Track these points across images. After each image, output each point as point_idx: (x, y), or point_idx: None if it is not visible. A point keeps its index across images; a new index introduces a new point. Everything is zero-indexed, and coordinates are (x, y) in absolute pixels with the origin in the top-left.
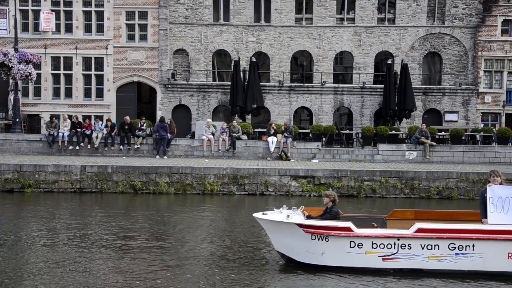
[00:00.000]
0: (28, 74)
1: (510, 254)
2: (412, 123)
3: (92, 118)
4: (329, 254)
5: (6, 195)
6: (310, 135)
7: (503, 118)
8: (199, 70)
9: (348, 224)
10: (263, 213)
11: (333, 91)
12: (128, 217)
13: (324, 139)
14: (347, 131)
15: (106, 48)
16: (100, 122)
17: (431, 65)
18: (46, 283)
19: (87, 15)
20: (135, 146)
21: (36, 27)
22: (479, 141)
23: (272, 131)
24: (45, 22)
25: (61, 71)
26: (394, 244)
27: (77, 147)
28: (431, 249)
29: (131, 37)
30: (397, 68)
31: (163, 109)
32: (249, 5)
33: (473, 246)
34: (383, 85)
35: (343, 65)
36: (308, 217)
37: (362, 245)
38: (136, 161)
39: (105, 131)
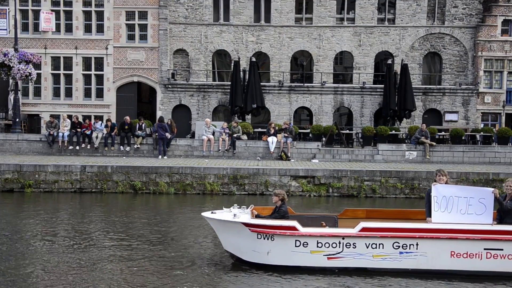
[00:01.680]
0: (28, 74)
1: (453, 253)
2: (412, 123)
3: (92, 118)
4: (274, 253)
5: (6, 195)
6: (310, 135)
7: (503, 118)
8: (199, 70)
9: (293, 223)
10: (212, 212)
11: (333, 91)
12: (128, 216)
13: (324, 139)
14: (347, 131)
15: (106, 48)
16: (100, 122)
17: (431, 65)
18: (46, 283)
19: (87, 15)
20: (135, 146)
21: (36, 27)
22: (479, 141)
23: (272, 131)
24: (45, 22)
25: (61, 71)
26: (339, 243)
27: (77, 147)
28: (376, 248)
29: (131, 37)
30: (397, 68)
31: (163, 109)
32: (249, 5)
33: (417, 245)
34: (383, 85)
35: (343, 65)
36: (257, 216)
37: (307, 244)
38: (136, 161)
39: (105, 131)
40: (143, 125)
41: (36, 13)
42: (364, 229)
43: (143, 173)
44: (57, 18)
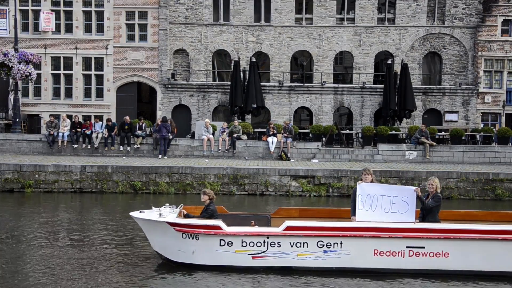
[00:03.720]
0: (28, 74)
1: (376, 251)
2: (412, 123)
3: (92, 118)
4: (199, 252)
5: (6, 195)
6: (310, 135)
7: (503, 118)
8: (199, 70)
9: (218, 222)
10: (140, 212)
11: (333, 91)
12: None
13: (324, 139)
14: (347, 131)
15: (106, 48)
16: (100, 122)
17: (431, 65)
18: (45, 283)
19: (87, 15)
20: (135, 146)
21: (36, 27)
22: (479, 141)
23: (272, 131)
24: (45, 22)
25: (61, 71)
26: (264, 242)
27: (76, 146)
28: (300, 246)
29: (131, 37)
30: (397, 68)
31: (163, 109)
32: (249, 5)
33: (341, 243)
34: (383, 85)
35: (343, 65)
36: (186, 215)
37: (232, 243)
38: (136, 161)
39: (105, 131)
40: (143, 125)
41: (36, 13)
42: (288, 228)
43: (143, 173)
44: (57, 18)
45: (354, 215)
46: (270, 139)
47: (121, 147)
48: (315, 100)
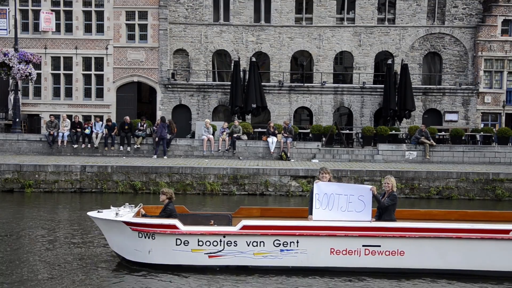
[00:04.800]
0: (28, 74)
1: (332, 250)
2: (412, 123)
3: (92, 118)
4: (156, 252)
5: (6, 195)
6: (310, 135)
7: (503, 118)
8: (199, 70)
9: (174, 221)
10: (98, 211)
11: (333, 91)
12: None
13: (324, 139)
14: (347, 131)
15: (106, 48)
16: (100, 122)
17: (431, 65)
18: (46, 284)
19: (87, 15)
20: (135, 146)
21: (36, 27)
22: (479, 141)
23: (272, 131)
24: (45, 22)
25: (61, 71)
26: (220, 241)
27: (76, 146)
28: (257, 246)
29: (131, 37)
30: (397, 68)
31: (163, 109)
32: (249, 5)
33: (297, 242)
34: (383, 85)
35: (343, 65)
36: (144, 215)
37: (188, 242)
38: (136, 161)
39: (105, 131)
40: (145, 125)
41: (36, 13)
42: (244, 227)
43: (143, 173)
44: (57, 18)
45: (311, 214)
46: (270, 139)
47: (121, 147)
48: (315, 100)
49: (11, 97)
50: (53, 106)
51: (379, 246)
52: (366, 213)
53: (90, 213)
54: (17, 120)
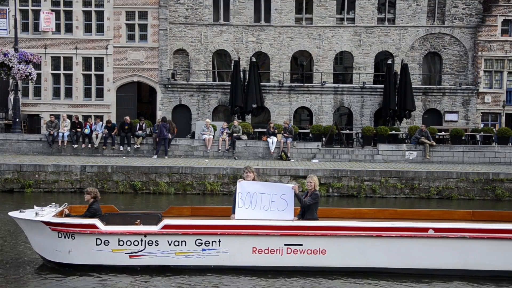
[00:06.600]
0: (28, 74)
1: (254, 249)
2: (412, 123)
3: (92, 118)
4: (76, 252)
5: (6, 195)
6: (310, 135)
7: (503, 118)
8: (199, 70)
9: (94, 221)
10: (21, 211)
11: (333, 91)
12: None
13: (324, 139)
14: (347, 131)
15: (106, 48)
16: (100, 122)
17: (431, 65)
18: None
19: (87, 15)
20: (135, 146)
21: (36, 27)
22: (479, 141)
23: (272, 131)
24: (45, 22)
25: (61, 71)
26: (141, 240)
27: (76, 146)
28: (178, 245)
29: (131, 37)
30: (397, 68)
31: (163, 109)
32: (249, 5)
33: (219, 241)
34: (383, 85)
35: (343, 65)
36: (67, 215)
37: (108, 242)
38: (136, 161)
39: (105, 131)
40: (144, 125)
41: (36, 13)
42: (166, 227)
43: (143, 173)
44: (57, 18)
45: (234, 213)
46: (270, 139)
47: (121, 147)
48: (315, 100)
49: (11, 97)
50: (53, 106)
51: (301, 245)
52: (288, 212)
53: (11, 213)
54: (17, 120)
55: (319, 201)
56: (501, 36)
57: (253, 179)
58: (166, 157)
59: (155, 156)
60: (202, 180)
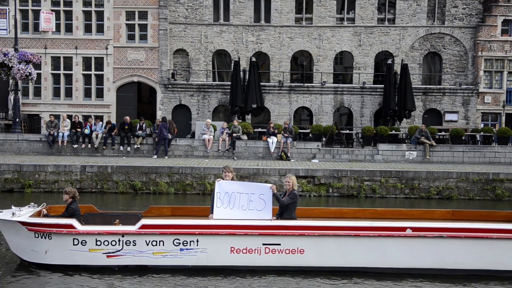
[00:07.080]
0: (28, 74)
1: (232, 249)
2: (412, 123)
3: (92, 118)
4: (53, 252)
5: (6, 195)
6: (310, 135)
7: (503, 118)
8: (199, 70)
9: (71, 221)
10: None
11: (333, 91)
12: None
13: (324, 139)
14: (347, 131)
15: (106, 48)
16: (100, 122)
17: (431, 65)
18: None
19: (87, 15)
20: (135, 146)
21: (36, 27)
22: (479, 141)
23: (272, 131)
24: (45, 22)
25: (61, 71)
26: (119, 240)
27: (76, 146)
28: (156, 245)
29: (131, 37)
30: (397, 68)
31: (163, 109)
32: (249, 5)
33: (197, 241)
34: (383, 85)
35: (343, 65)
36: (45, 215)
37: (86, 242)
38: (136, 161)
39: (104, 131)
40: (144, 125)
41: (36, 13)
42: (143, 226)
43: (143, 173)
44: (57, 18)
45: (212, 213)
46: (270, 139)
47: (121, 147)
48: (315, 100)
49: (11, 97)
50: (53, 106)
51: (279, 244)
52: (266, 211)
53: None
54: (17, 120)
55: (297, 201)
56: (501, 36)
57: (232, 179)
58: (166, 157)
59: (155, 156)
60: (202, 180)
